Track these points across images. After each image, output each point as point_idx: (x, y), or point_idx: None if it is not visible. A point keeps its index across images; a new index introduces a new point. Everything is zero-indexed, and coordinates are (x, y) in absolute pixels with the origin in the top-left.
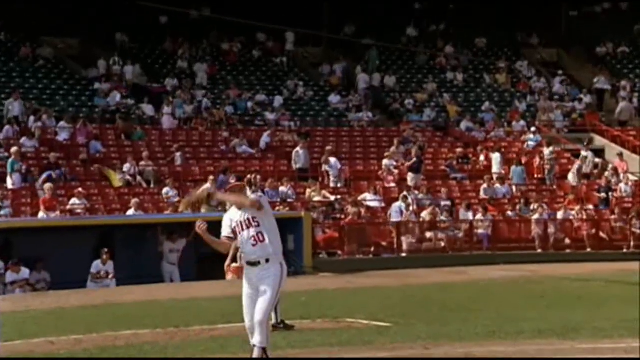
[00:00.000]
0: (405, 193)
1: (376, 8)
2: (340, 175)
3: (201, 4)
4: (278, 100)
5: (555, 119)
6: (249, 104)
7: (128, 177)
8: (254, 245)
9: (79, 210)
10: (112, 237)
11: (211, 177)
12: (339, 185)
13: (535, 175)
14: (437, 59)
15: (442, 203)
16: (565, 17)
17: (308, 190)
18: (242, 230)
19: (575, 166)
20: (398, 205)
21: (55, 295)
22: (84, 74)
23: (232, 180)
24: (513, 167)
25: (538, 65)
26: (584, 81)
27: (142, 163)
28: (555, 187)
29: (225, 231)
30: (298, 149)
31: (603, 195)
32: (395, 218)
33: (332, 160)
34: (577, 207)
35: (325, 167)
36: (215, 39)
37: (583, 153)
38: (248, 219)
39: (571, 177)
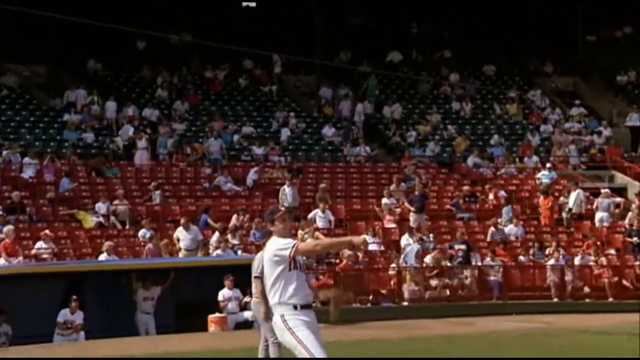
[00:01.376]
0: (419, 235)
1: (374, 32)
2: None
3: (182, 27)
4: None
5: (571, 154)
6: (235, 137)
7: (100, 217)
8: (308, 288)
9: (45, 255)
10: (82, 284)
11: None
12: (332, 226)
13: (551, 216)
14: (441, 88)
15: (457, 246)
16: (582, 42)
17: (300, 232)
18: (300, 271)
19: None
20: (415, 247)
21: (17, 351)
22: (52, 104)
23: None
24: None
25: (552, 94)
26: (603, 112)
27: (116, 202)
28: (572, 229)
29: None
30: (285, 187)
31: (635, 239)
32: (411, 260)
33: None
34: (595, 250)
35: (315, 213)
36: (198, 66)
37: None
38: (303, 262)
39: (597, 218)
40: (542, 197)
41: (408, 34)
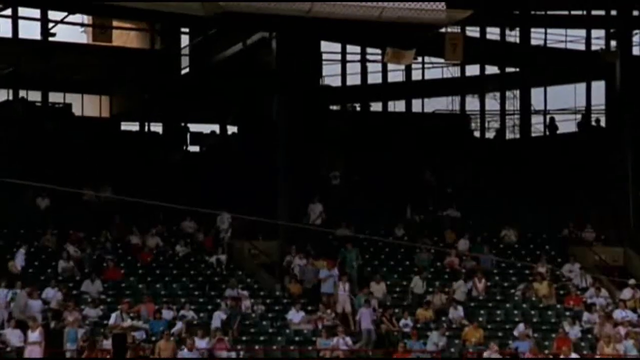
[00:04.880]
0: None
1: (356, 185)
2: None
3: (99, 180)
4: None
5: (625, 351)
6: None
7: None
8: None
9: None
10: None
11: None
12: None
13: None
14: (446, 259)
15: None
16: (635, 202)
17: None
18: None
19: None
20: None
21: None
22: None
23: None
24: None
25: (595, 270)
26: None
27: None
28: None
29: None
30: None
31: None
32: None
33: None
34: None
35: None
36: (121, 229)
37: None
38: None
39: None
40: None
41: (402, 187)
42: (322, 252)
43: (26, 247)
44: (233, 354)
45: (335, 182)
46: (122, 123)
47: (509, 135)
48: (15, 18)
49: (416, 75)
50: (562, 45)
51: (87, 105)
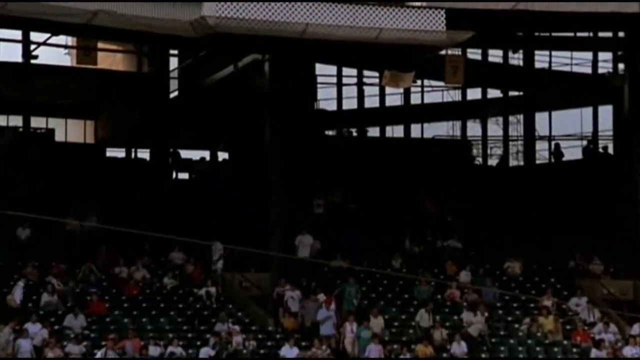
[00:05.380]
0: None
1: (354, 214)
2: None
3: (83, 209)
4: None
5: None
6: None
7: None
8: None
9: None
10: None
11: None
12: None
13: None
14: (447, 292)
15: None
16: None
17: None
18: None
19: None
20: None
21: None
22: None
23: None
24: None
25: (604, 304)
26: None
27: None
28: None
29: None
30: None
31: None
32: None
33: None
34: None
35: None
36: (106, 261)
37: None
38: None
39: None
40: None
41: (400, 216)
42: (317, 285)
43: (25, 280)
44: None
45: (319, 211)
46: (108, 149)
47: (512, 162)
48: None
49: (415, 99)
50: (567, 68)
51: (71, 131)
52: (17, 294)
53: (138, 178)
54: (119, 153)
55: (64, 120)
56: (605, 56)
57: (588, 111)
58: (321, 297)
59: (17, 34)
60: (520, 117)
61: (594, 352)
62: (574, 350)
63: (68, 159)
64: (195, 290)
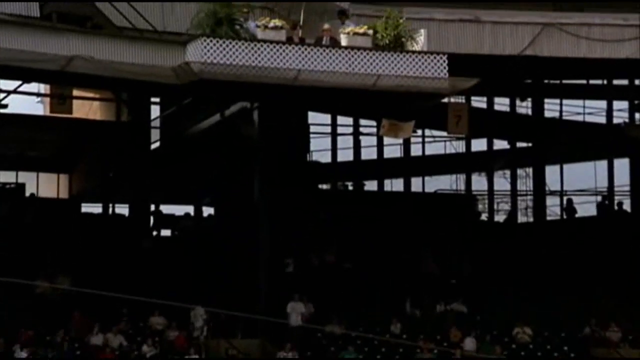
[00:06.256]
0: None
1: (348, 275)
2: None
3: (55, 269)
4: None
5: None
6: None
7: None
8: None
9: None
10: None
11: None
12: None
13: None
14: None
15: None
16: None
17: None
18: None
19: None
20: None
21: None
22: None
23: None
24: None
25: None
26: None
27: None
28: None
29: None
30: None
31: None
32: None
33: None
34: None
35: None
36: (80, 327)
37: None
38: None
39: None
40: None
41: (400, 277)
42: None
43: None
44: None
45: (289, 270)
46: (83, 204)
47: (520, 219)
48: None
49: (416, 151)
50: (580, 118)
51: (43, 185)
52: None
53: (116, 235)
54: (95, 209)
55: (36, 174)
56: (620, 105)
57: (602, 164)
58: None
59: None
60: (529, 170)
61: None
62: None
63: (39, 216)
64: (175, 357)
